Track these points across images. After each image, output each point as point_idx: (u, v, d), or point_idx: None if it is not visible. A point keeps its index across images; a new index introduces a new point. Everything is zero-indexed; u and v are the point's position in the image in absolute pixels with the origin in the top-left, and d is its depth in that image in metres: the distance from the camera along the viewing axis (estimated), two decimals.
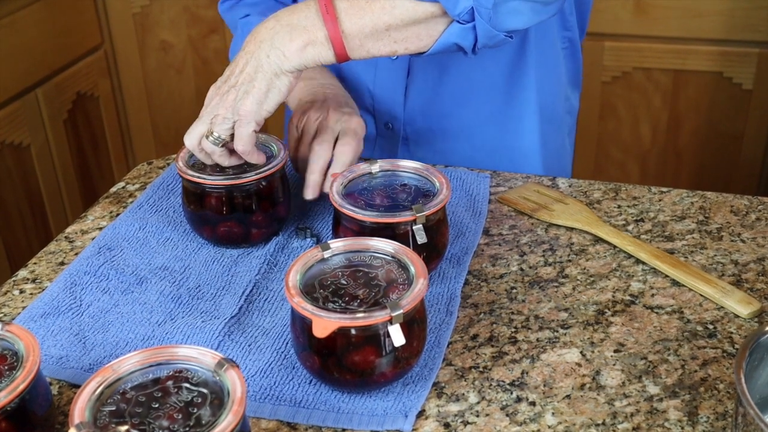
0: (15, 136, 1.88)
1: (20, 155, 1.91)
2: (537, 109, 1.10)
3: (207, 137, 0.86)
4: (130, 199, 1.02)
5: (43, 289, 0.86)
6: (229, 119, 0.84)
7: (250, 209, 0.89)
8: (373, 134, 1.15)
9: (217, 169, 0.89)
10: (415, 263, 0.73)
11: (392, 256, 0.75)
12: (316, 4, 0.82)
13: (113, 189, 1.05)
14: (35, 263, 0.91)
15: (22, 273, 0.89)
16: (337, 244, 0.75)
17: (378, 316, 0.67)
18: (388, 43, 0.83)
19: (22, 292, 0.86)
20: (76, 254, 0.91)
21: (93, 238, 0.94)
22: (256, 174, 0.87)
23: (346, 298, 0.70)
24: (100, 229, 0.96)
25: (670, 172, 2.20)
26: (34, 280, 0.88)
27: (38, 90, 1.95)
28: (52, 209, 2.01)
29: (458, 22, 0.81)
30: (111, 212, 1.00)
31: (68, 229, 0.97)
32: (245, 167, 0.89)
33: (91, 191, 2.17)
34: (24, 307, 0.83)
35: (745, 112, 2.07)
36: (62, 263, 0.90)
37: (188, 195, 0.90)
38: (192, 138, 0.87)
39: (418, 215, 0.80)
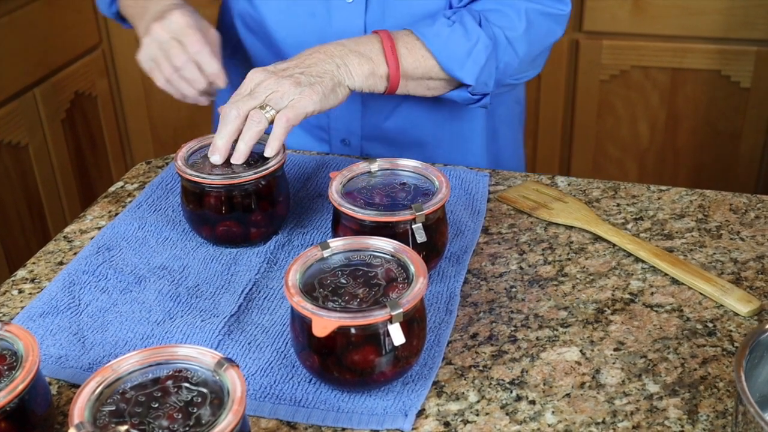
0: (13, 136, 1.87)
1: (18, 155, 1.90)
2: (486, 111, 1.18)
3: (262, 108, 0.88)
4: (129, 199, 1.02)
5: (42, 289, 0.86)
6: (287, 97, 0.88)
7: (249, 209, 0.89)
8: (326, 150, 1.17)
9: (216, 168, 0.88)
10: (414, 262, 0.73)
11: (392, 255, 0.75)
12: (380, 43, 0.96)
13: (112, 189, 1.05)
14: (34, 263, 0.91)
15: (21, 273, 0.89)
16: (336, 243, 0.75)
17: (378, 315, 0.66)
18: (423, 89, 1.01)
19: (20, 291, 0.86)
20: (75, 254, 0.91)
21: (92, 238, 0.94)
22: (255, 173, 0.87)
23: (346, 297, 0.70)
24: (99, 228, 0.96)
25: (668, 170, 2.20)
26: (32, 280, 0.88)
27: (36, 89, 1.95)
28: (50, 209, 2.01)
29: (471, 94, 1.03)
30: (110, 212, 0.99)
31: (67, 229, 0.97)
32: (243, 166, 0.88)
33: (89, 191, 2.16)
34: (23, 307, 0.83)
35: (743, 110, 2.07)
36: (61, 263, 0.90)
37: (187, 194, 0.90)
38: (244, 108, 0.88)
39: (417, 214, 0.80)
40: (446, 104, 1.13)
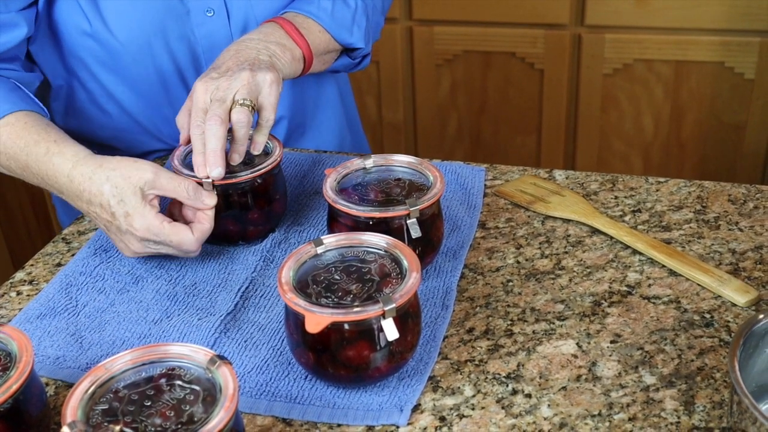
0: None
1: None
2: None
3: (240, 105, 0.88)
4: None
5: (40, 291, 0.86)
6: (256, 88, 0.89)
7: (246, 207, 0.89)
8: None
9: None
10: (408, 257, 0.73)
11: (385, 251, 0.74)
12: (282, 29, 0.98)
13: None
14: (32, 265, 0.91)
15: (19, 275, 0.89)
16: (330, 240, 0.75)
17: (370, 311, 0.66)
18: (321, 64, 1.06)
19: (19, 293, 0.86)
20: (73, 255, 0.92)
21: (89, 239, 0.94)
22: (252, 172, 0.87)
23: (339, 294, 0.70)
24: (97, 229, 0.96)
25: (673, 163, 2.19)
26: (31, 282, 0.88)
27: None
28: (55, 210, 2.02)
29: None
30: None
31: (65, 231, 0.97)
32: (240, 165, 0.88)
33: None
34: (21, 309, 0.84)
35: (748, 102, 2.06)
36: (59, 264, 0.91)
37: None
38: (221, 112, 0.87)
39: (411, 209, 0.79)
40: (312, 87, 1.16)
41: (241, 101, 0.87)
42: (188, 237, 0.83)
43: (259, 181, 0.88)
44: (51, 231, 1.94)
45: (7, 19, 0.96)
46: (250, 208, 0.89)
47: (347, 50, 1.09)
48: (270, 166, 0.89)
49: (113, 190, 0.82)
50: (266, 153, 0.91)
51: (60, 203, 1.29)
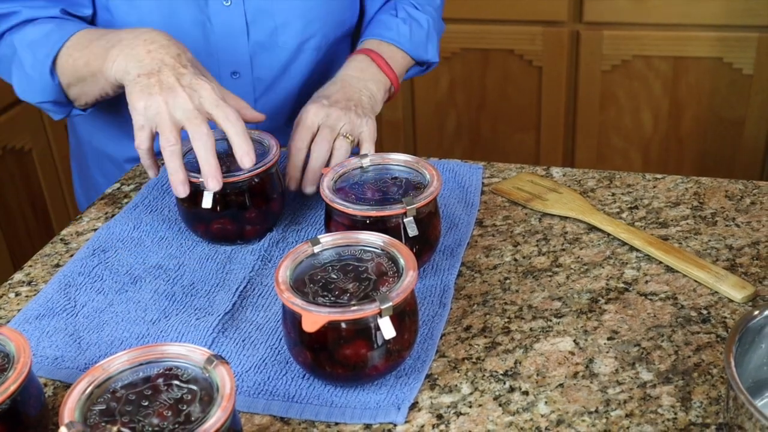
0: (16, 141, 1.89)
1: (22, 160, 1.91)
2: None
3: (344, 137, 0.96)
4: (126, 200, 1.02)
5: (39, 292, 0.86)
6: (358, 127, 0.97)
7: (243, 206, 0.89)
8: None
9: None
10: (404, 255, 0.73)
11: (382, 250, 0.75)
12: (374, 63, 1.08)
13: (108, 190, 1.05)
14: (31, 266, 0.91)
15: (18, 276, 0.90)
16: (326, 239, 0.75)
17: (367, 310, 0.67)
18: (400, 79, 1.14)
19: (17, 294, 0.87)
20: (72, 256, 0.92)
21: (88, 240, 0.94)
22: (249, 171, 0.87)
23: (336, 292, 0.70)
24: (96, 230, 0.96)
25: (672, 159, 2.19)
26: (29, 283, 0.88)
27: None
28: (55, 213, 2.02)
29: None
30: (106, 213, 1.00)
31: (63, 231, 0.97)
32: (236, 165, 0.88)
33: None
34: (20, 310, 0.84)
35: (746, 97, 2.06)
36: (57, 265, 0.91)
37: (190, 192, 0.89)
38: (330, 137, 0.96)
39: (408, 208, 0.80)
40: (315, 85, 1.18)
41: (344, 134, 0.96)
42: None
43: (256, 180, 0.89)
44: (51, 232, 1.94)
45: None
46: (247, 207, 0.90)
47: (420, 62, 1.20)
48: (267, 165, 0.89)
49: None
50: (263, 152, 0.91)
51: (79, 180, 1.30)
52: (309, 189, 0.95)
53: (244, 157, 0.85)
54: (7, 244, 1.87)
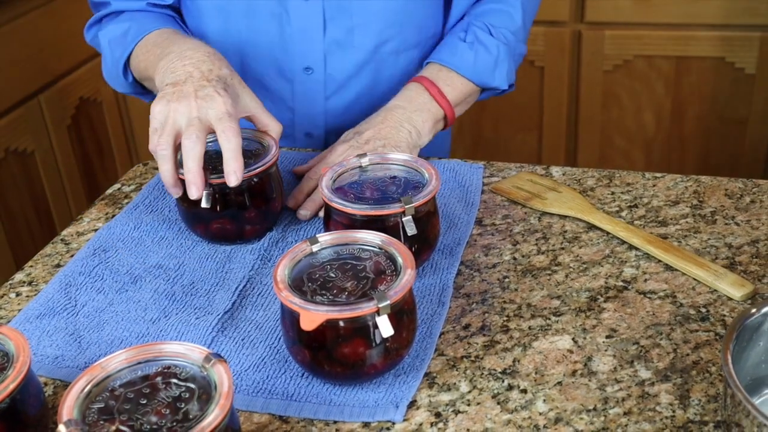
0: (19, 143, 1.89)
1: (25, 162, 1.92)
2: None
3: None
4: (126, 201, 1.03)
5: (39, 292, 0.86)
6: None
7: (243, 206, 0.90)
8: (290, 144, 1.19)
9: (210, 166, 0.89)
10: (402, 254, 0.73)
11: (380, 248, 0.75)
12: (427, 92, 1.06)
13: (109, 191, 1.06)
14: (31, 266, 0.91)
15: (19, 276, 0.90)
16: (325, 238, 0.76)
17: (365, 308, 0.67)
18: (466, 106, 1.13)
19: (18, 295, 0.87)
20: (72, 256, 0.92)
21: (89, 240, 0.94)
22: (249, 171, 0.87)
23: (334, 291, 0.70)
24: (96, 230, 0.97)
25: (675, 159, 2.19)
26: (30, 283, 0.89)
27: (41, 96, 1.96)
28: (59, 215, 2.02)
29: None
30: (107, 214, 1.00)
31: (64, 232, 0.97)
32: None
33: (97, 195, 2.17)
34: (20, 310, 0.84)
35: (749, 97, 2.06)
36: (58, 265, 0.91)
37: (182, 193, 0.90)
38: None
39: (406, 207, 0.80)
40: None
41: None
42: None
43: (255, 180, 0.89)
44: (53, 233, 1.94)
45: None
46: (247, 207, 0.90)
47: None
48: (266, 165, 0.89)
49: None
50: (262, 152, 0.91)
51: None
52: (302, 212, 0.95)
53: (230, 175, 0.85)
54: (10, 245, 1.88)
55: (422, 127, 1.03)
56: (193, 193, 0.85)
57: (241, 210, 0.90)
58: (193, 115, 0.86)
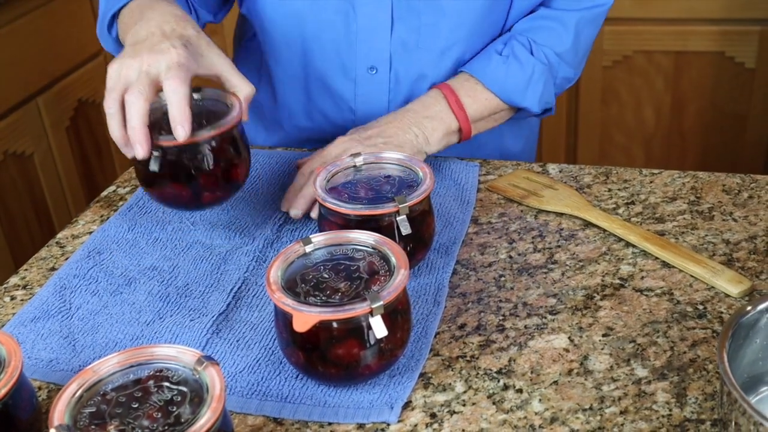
0: (18, 146, 1.89)
1: (24, 164, 1.92)
2: None
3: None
4: (121, 203, 1.02)
5: (34, 295, 0.86)
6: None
7: (198, 170, 0.83)
8: None
9: (167, 127, 0.81)
10: (396, 254, 0.72)
11: (373, 248, 0.74)
12: (445, 99, 1.02)
13: (104, 193, 1.06)
14: (26, 270, 0.91)
15: (13, 280, 0.90)
16: (318, 238, 0.75)
17: (358, 309, 0.66)
18: (491, 123, 1.08)
19: (13, 298, 0.87)
20: (67, 259, 0.92)
21: (83, 243, 0.94)
22: (208, 131, 0.81)
23: (328, 292, 0.70)
24: (91, 233, 0.96)
25: (675, 154, 2.18)
26: (24, 287, 0.88)
27: (39, 98, 1.96)
28: (58, 217, 2.02)
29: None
30: (102, 216, 1.00)
31: (59, 235, 0.97)
32: (195, 125, 0.81)
33: (96, 198, 2.17)
34: (15, 314, 0.84)
35: (749, 91, 2.05)
36: (53, 269, 0.91)
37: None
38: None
39: (400, 206, 0.79)
40: None
41: None
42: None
43: (213, 142, 0.82)
44: (53, 234, 1.94)
45: None
46: (203, 172, 0.83)
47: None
48: (226, 126, 0.83)
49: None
50: (223, 113, 0.85)
51: None
52: (293, 212, 0.92)
53: (177, 128, 0.79)
54: (10, 248, 1.88)
55: (431, 134, 1.00)
56: (139, 152, 0.79)
57: (197, 175, 0.83)
58: (143, 69, 0.80)
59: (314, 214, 0.92)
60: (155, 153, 0.82)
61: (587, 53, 1.14)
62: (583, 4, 1.08)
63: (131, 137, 0.80)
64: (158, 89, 0.81)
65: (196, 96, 0.87)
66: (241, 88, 0.87)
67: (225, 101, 0.87)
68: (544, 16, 1.08)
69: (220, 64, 0.87)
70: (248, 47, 1.20)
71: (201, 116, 0.84)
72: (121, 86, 0.81)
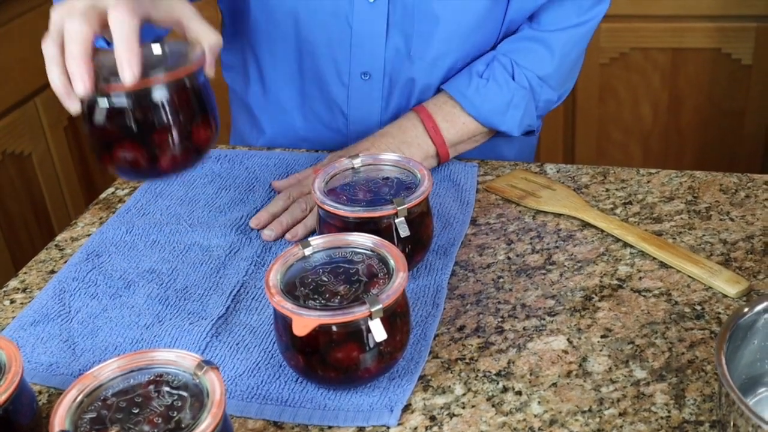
0: (16, 146, 1.89)
1: (22, 164, 1.92)
2: None
3: None
4: (120, 205, 1.02)
5: (34, 299, 0.86)
6: None
7: (152, 125, 0.70)
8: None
9: (116, 75, 0.69)
10: (394, 257, 0.73)
11: (372, 251, 0.74)
12: (422, 124, 1.03)
13: (103, 195, 1.06)
14: (25, 273, 0.91)
15: (13, 283, 0.90)
16: (317, 241, 0.75)
17: (357, 312, 0.66)
18: (471, 145, 1.08)
19: (12, 302, 0.87)
20: (66, 262, 0.92)
21: (82, 245, 0.94)
22: (163, 77, 0.69)
23: (327, 295, 0.70)
24: (90, 235, 0.96)
25: (672, 152, 2.18)
26: (24, 290, 0.88)
27: (37, 98, 1.96)
28: (57, 217, 2.02)
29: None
30: (100, 218, 1.00)
31: (58, 237, 0.97)
32: (151, 70, 0.70)
33: (95, 197, 2.17)
34: (14, 317, 0.84)
35: (746, 88, 2.05)
36: (52, 271, 0.91)
37: (84, 110, 0.73)
38: (294, 193, 0.97)
39: (399, 208, 0.79)
40: None
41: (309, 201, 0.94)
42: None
43: (169, 91, 0.70)
44: (52, 237, 1.94)
45: None
46: (157, 126, 0.71)
47: None
48: (184, 71, 0.70)
49: None
50: (181, 58, 0.74)
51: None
52: (267, 232, 0.92)
53: (124, 68, 0.68)
54: (9, 249, 1.88)
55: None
56: (79, 88, 0.69)
57: (149, 129, 0.70)
58: (88, 4, 0.70)
59: (290, 236, 0.92)
60: (100, 103, 0.69)
61: (577, 70, 1.14)
62: (571, 21, 1.07)
63: (70, 70, 0.69)
64: (105, 23, 0.70)
65: (156, 50, 0.75)
66: (206, 36, 0.75)
67: (185, 50, 0.75)
68: (529, 37, 1.07)
69: (179, 9, 0.76)
70: (238, 41, 1.19)
71: (161, 71, 0.72)
72: (60, 27, 0.71)
